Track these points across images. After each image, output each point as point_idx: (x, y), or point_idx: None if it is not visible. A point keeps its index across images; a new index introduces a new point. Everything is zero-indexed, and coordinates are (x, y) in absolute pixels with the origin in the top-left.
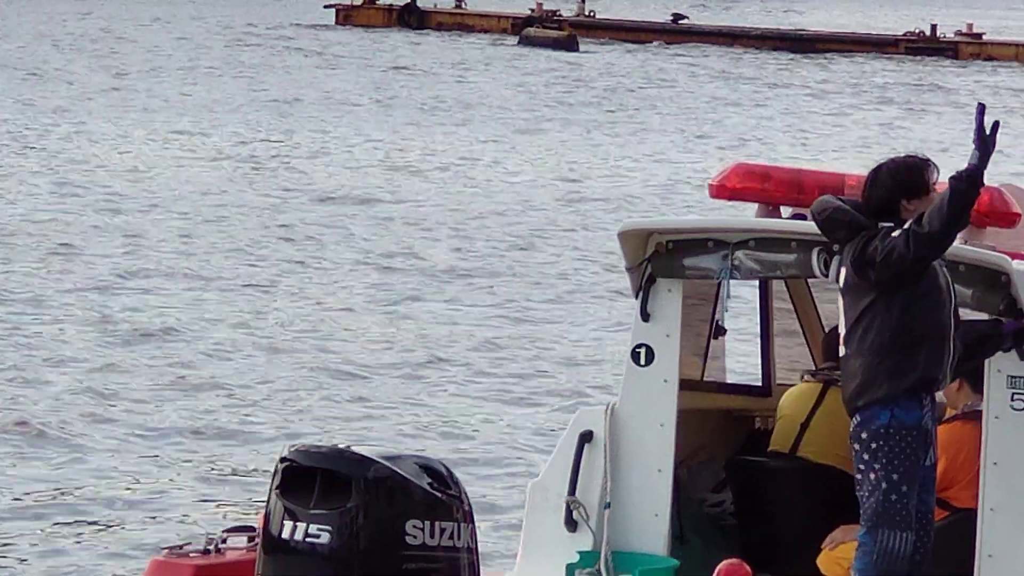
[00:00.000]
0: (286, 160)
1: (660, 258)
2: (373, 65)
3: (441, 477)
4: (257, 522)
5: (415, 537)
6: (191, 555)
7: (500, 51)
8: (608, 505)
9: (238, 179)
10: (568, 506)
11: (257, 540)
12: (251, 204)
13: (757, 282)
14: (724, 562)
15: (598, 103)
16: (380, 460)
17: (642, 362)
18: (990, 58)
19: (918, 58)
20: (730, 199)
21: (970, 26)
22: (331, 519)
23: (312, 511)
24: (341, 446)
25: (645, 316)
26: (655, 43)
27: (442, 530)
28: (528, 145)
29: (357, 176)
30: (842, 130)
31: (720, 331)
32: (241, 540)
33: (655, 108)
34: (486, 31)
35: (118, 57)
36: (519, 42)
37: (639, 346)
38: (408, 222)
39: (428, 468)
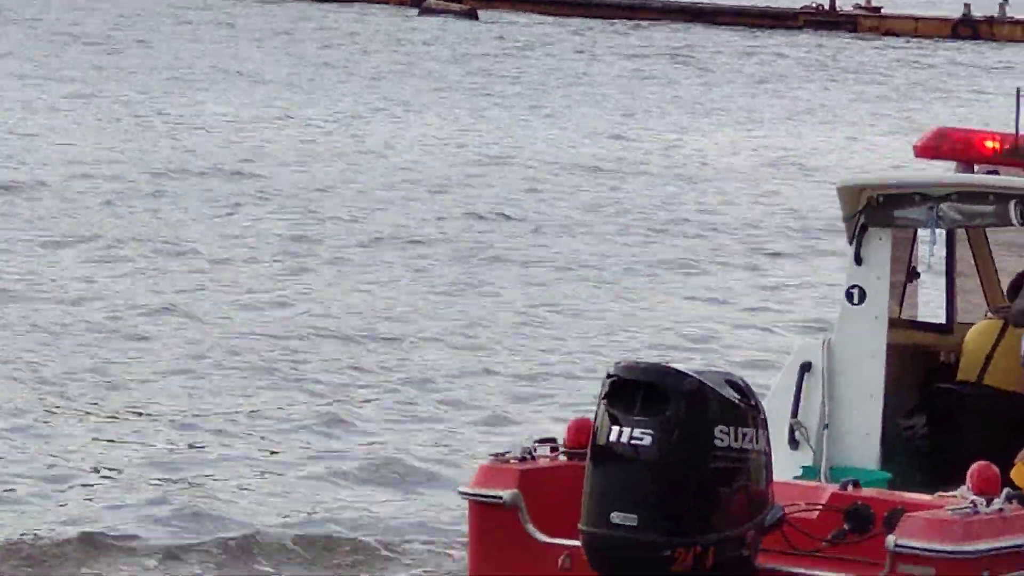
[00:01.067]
0: (176, 128)
1: (872, 210)
2: (268, 34)
3: (741, 389)
4: (560, 435)
5: (722, 440)
6: (511, 461)
7: (401, 22)
8: (826, 426)
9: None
10: (791, 427)
11: (560, 450)
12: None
13: (944, 232)
14: (976, 464)
15: (500, 74)
16: (693, 374)
17: (855, 301)
18: (889, 32)
19: (818, 32)
20: (932, 158)
21: (868, 0)
22: (652, 425)
23: (635, 418)
24: (660, 363)
25: (858, 260)
26: (556, 15)
27: (743, 434)
28: (433, 116)
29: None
30: (750, 100)
31: (915, 275)
32: (544, 450)
33: (560, 80)
34: (383, 2)
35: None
36: (420, 13)
37: (853, 287)
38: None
39: (731, 382)
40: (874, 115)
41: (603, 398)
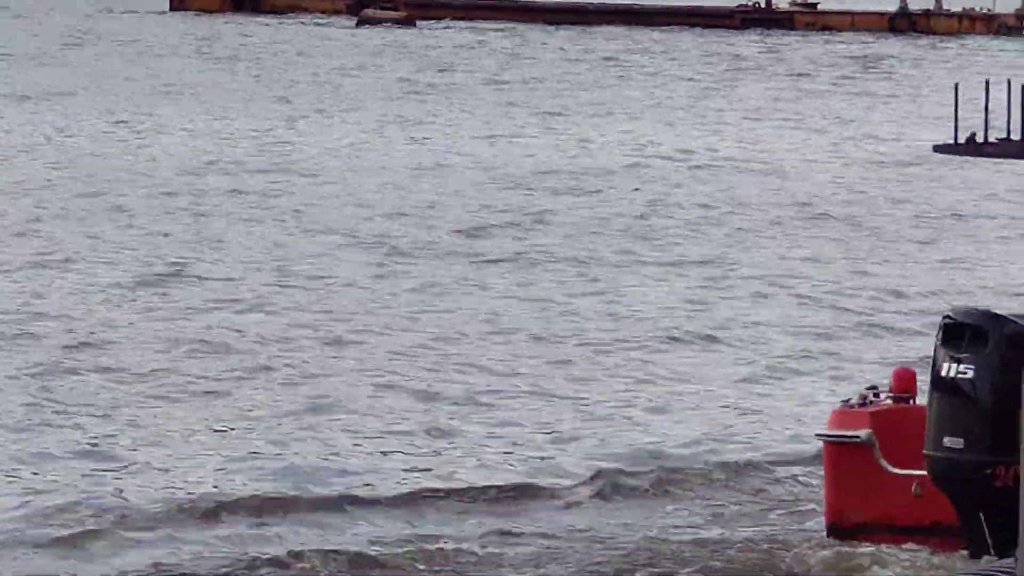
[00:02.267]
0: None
1: None
2: (207, 51)
3: None
4: (884, 383)
5: None
6: (856, 406)
7: (341, 32)
8: None
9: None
10: None
11: (886, 395)
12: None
13: None
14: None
15: (439, 79)
16: (1013, 319)
17: None
18: (825, 27)
19: (754, 30)
20: None
21: None
22: (974, 361)
23: (962, 355)
24: (985, 308)
25: None
26: (496, 20)
27: None
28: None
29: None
30: (692, 100)
31: None
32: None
33: (502, 84)
34: (322, 12)
35: None
36: (357, 23)
37: None
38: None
39: None
40: (811, 110)
41: (938, 338)
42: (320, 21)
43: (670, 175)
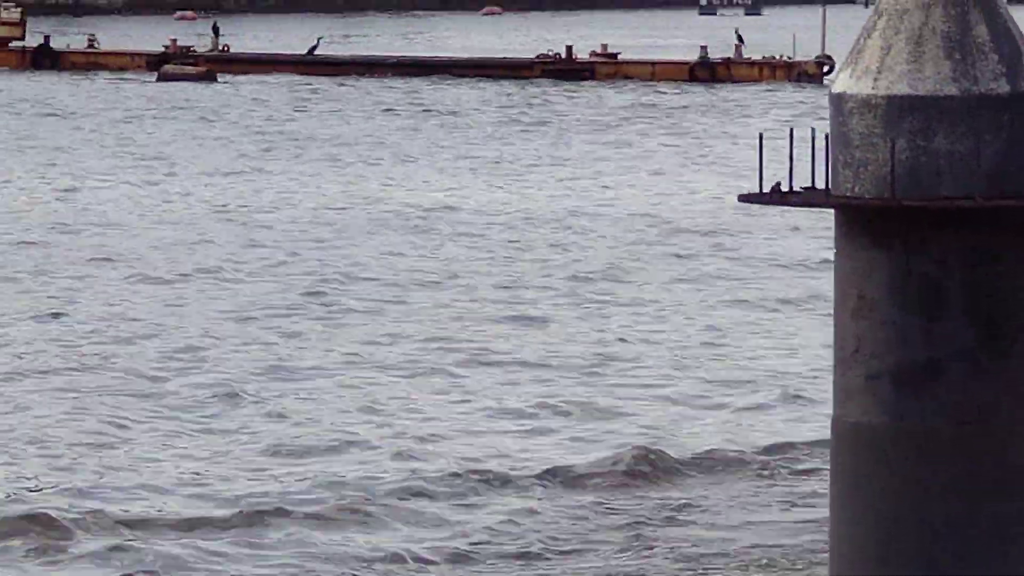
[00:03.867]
0: None
1: None
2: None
3: None
4: None
5: None
6: None
7: (143, 88)
8: None
9: None
10: None
11: None
12: None
13: None
14: None
15: (243, 134)
16: None
17: None
18: (626, 77)
19: (555, 80)
20: None
21: (604, 47)
22: None
23: None
24: None
25: None
26: (293, 74)
27: None
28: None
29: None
30: (496, 152)
31: None
32: None
33: (308, 138)
34: (122, 69)
35: None
36: (158, 79)
37: None
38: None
39: None
40: (613, 161)
41: None
42: (121, 77)
43: (467, 226)
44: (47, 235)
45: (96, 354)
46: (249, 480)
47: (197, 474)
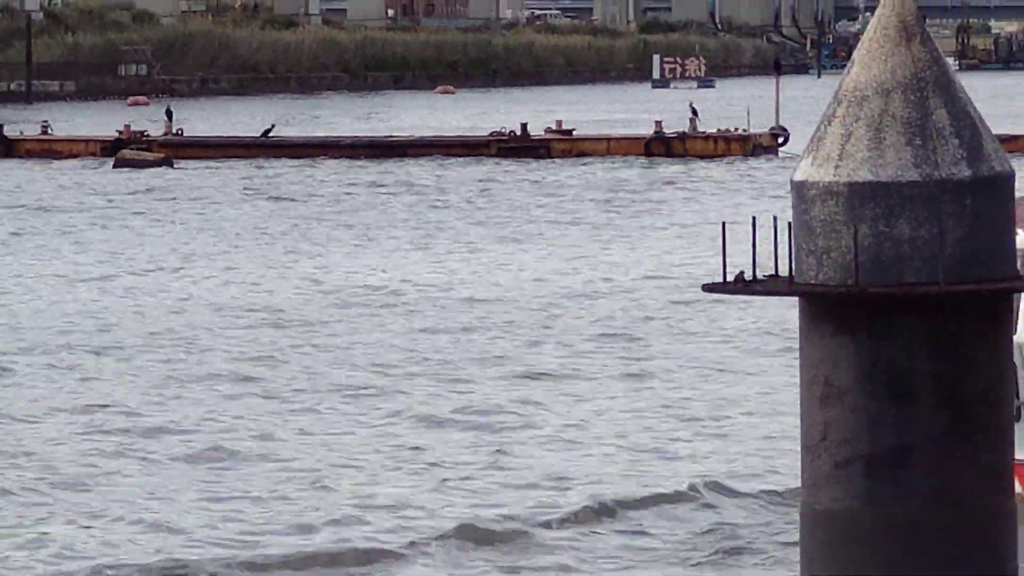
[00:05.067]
0: None
1: None
2: None
3: None
4: None
5: None
6: None
7: (100, 176)
8: None
9: None
10: None
11: None
12: None
13: None
14: None
15: (195, 217)
16: None
17: None
18: (581, 153)
19: (511, 158)
20: None
21: (559, 123)
22: None
23: None
24: None
25: None
26: (250, 158)
27: None
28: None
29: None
30: (453, 233)
31: None
32: None
33: (259, 221)
34: (75, 156)
35: None
36: (115, 165)
37: None
38: None
39: None
40: (570, 243)
41: None
42: (77, 165)
43: (420, 304)
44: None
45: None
46: None
47: None
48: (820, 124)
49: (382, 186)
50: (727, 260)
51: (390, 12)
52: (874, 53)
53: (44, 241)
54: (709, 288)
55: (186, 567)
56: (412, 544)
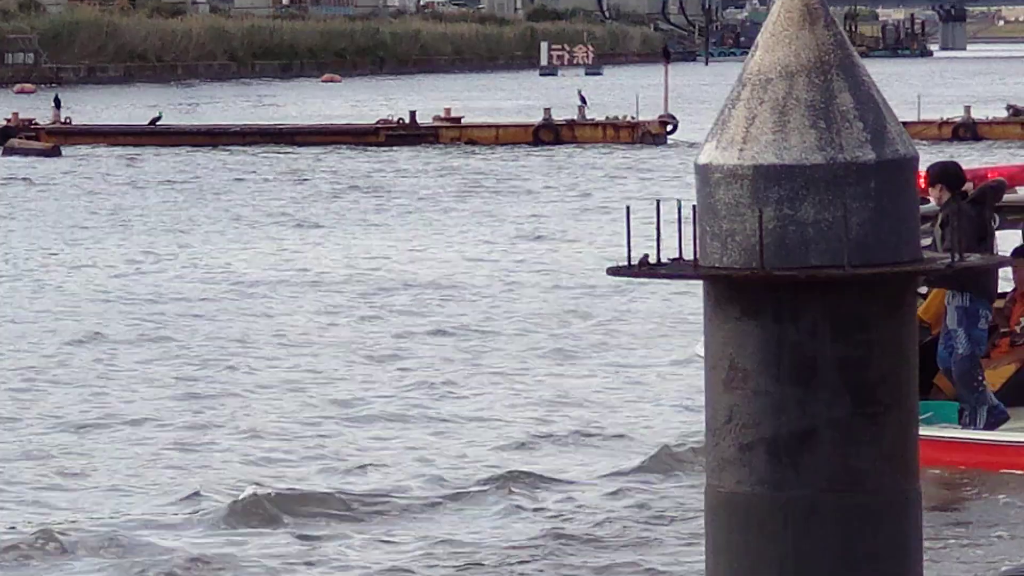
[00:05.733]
0: None
1: None
2: None
3: None
4: None
5: None
6: None
7: None
8: None
9: None
10: None
11: None
12: None
13: None
14: None
15: (85, 207)
16: None
17: None
18: (471, 141)
19: (400, 146)
20: None
21: (448, 111)
22: None
23: None
24: None
25: None
26: (135, 145)
27: None
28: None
29: None
30: (334, 220)
31: None
32: None
33: (145, 210)
34: None
35: None
36: (3, 153)
37: None
38: None
39: None
40: (455, 232)
41: None
42: None
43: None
44: None
45: None
46: None
47: None
48: (724, 107)
49: (271, 173)
50: (631, 245)
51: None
52: (778, 36)
53: None
54: (614, 272)
55: None
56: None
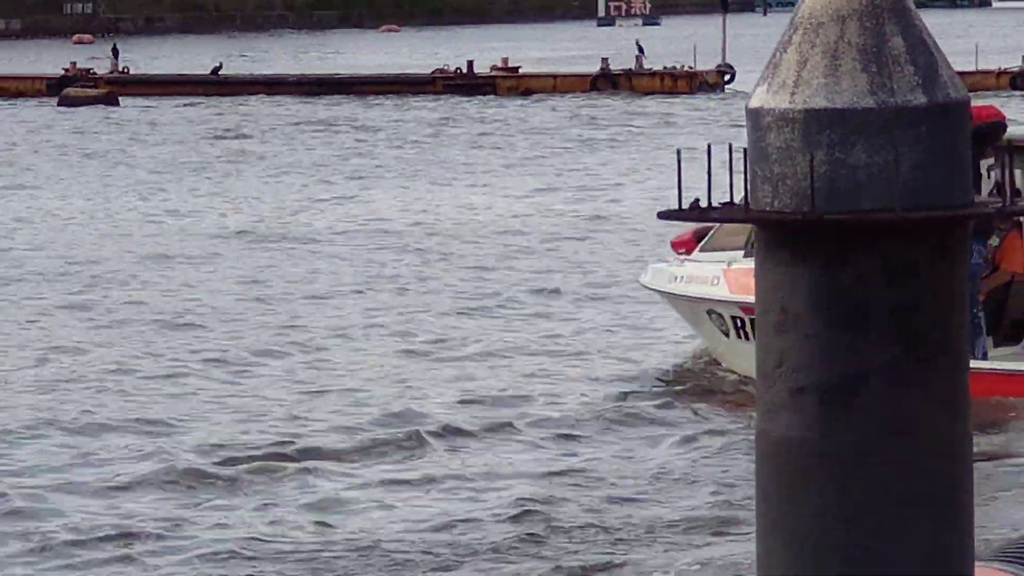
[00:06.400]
0: None
1: None
2: None
3: None
4: None
5: None
6: None
7: (45, 113)
8: None
9: None
10: None
11: None
12: None
13: None
14: None
15: (144, 154)
16: None
17: None
18: (527, 91)
19: (457, 95)
20: None
21: (505, 60)
22: None
23: None
24: None
25: None
26: (191, 95)
27: None
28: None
29: None
30: (401, 165)
31: None
32: None
33: (202, 159)
34: (20, 94)
35: None
36: (59, 103)
37: None
38: None
39: None
40: (521, 174)
41: None
42: (21, 104)
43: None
44: None
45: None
46: None
47: None
48: (776, 51)
49: (328, 123)
50: (682, 188)
51: None
52: None
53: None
54: (664, 215)
55: None
56: None
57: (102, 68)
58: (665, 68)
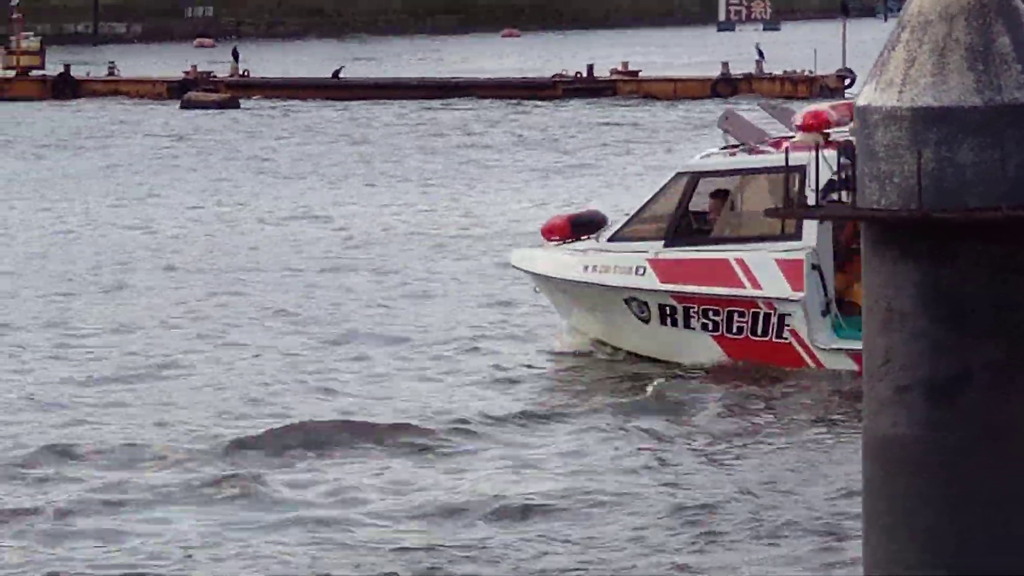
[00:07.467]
0: None
1: None
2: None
3: None
4: None
5: None
6: None
7: (166, 114)
8: None
9: None
10: None
11: None
12: None
13: None
14: None
15: (265, 158)
16: None
17: None
18: (648, 95)
19: (577, 100)
20: None
21: (625, 64)
22: None
23: None
24: None
25: None
26: (313, 99)
27: None
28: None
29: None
30: (517, 168)
31: None
32: None
33: (337, 161)
34: (142, 97)
35: None
36: (182, 106)
37: None
38: None
39: None
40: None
41: None
42: (147, 105)
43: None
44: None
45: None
46: None
47: None
48: (884, 49)
49: (448, 127)
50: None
51: None
52: None
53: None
54: (771, 212)
55: None
56: None
57: (223, 71)
58: (785, 72)
